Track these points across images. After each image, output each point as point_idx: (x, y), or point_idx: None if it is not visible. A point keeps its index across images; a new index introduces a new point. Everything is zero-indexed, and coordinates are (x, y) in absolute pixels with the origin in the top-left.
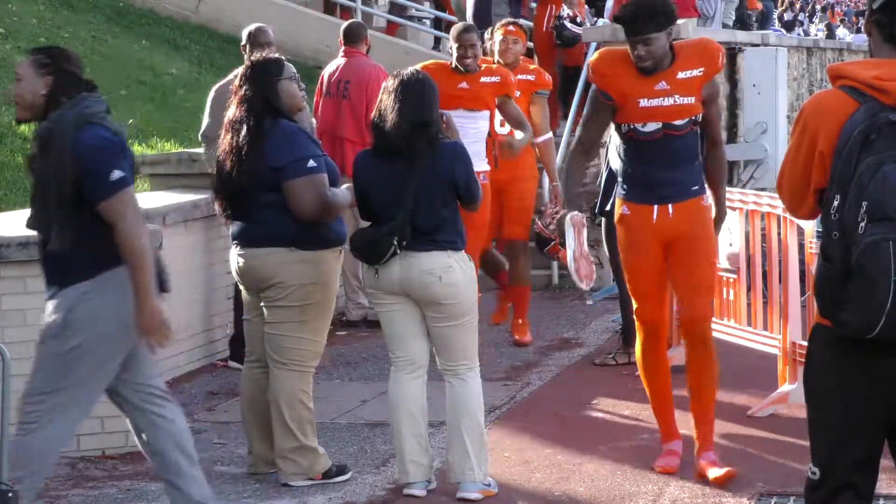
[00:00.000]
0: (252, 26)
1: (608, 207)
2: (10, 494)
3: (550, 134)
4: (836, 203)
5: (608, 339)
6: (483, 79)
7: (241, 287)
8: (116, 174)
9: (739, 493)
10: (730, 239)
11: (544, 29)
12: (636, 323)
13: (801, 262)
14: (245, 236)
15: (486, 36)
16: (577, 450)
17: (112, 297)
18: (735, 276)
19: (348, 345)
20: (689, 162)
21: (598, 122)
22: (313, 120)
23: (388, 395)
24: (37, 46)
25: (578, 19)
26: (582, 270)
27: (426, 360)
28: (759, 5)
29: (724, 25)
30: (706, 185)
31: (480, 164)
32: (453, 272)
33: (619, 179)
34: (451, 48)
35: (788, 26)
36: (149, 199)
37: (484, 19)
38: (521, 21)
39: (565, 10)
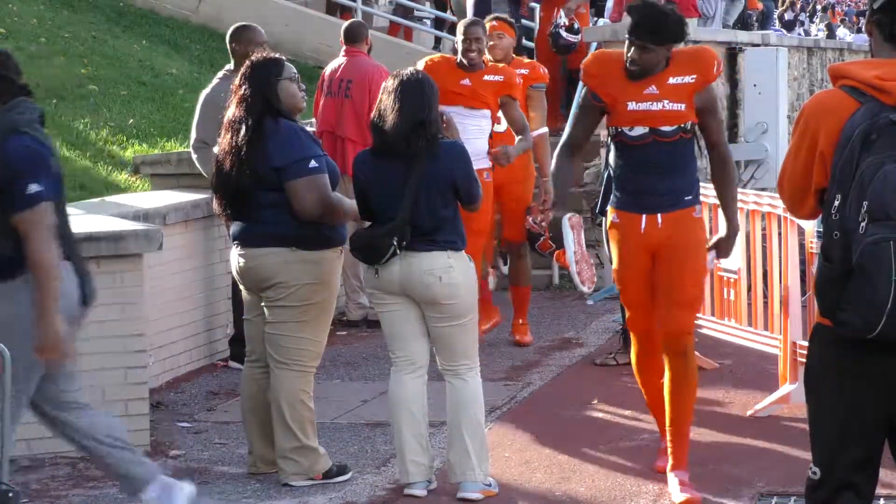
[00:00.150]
0: (238, 25)
1: (608, 207)
2: (10, 494)
3: (546, 129)
4: (836, 203)
5: (609, 339)
6: (487, 77)
7: (242, 287)
8: (34, 188)
9: (740, 492)
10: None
11: (547, 34)
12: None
13: (802, 262)
14: (246, 236)
15: None
16: (577, 450)
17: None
18: (735, 276)
19: (349, 345)
20: (680, 171)
21: (584, 123)
22: (313, 120)
23: (388, 395)
24: None
25: (576, 26)
26: (584, 274)
27: (426, 361)
28: (760, 5)
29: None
30: (700, 196)
31: (482, 162)
32: (453, 272)
33: (613, 186)
34: (456, 43)
35: (789, 26)
36: (149, 199)
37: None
38: (524, 21)
39: (562, 18)
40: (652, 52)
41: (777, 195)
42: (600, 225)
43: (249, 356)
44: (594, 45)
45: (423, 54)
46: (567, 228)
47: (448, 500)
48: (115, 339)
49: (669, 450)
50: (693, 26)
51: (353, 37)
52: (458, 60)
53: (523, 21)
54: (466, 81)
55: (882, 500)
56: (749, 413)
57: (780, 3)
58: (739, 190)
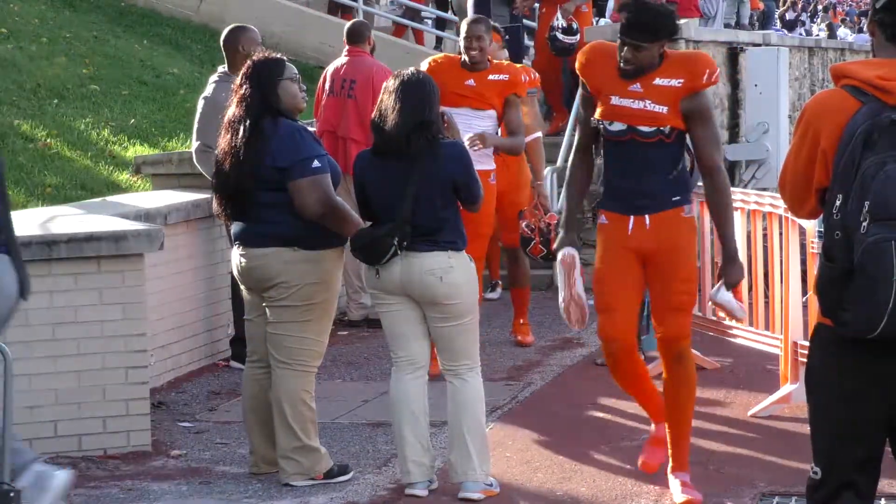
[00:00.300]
0: (233, 26)
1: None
2: (10, 494)
3: (539, 133)
4: (838, 203)
5: None
6: (491, 76)
7: (243, 287)
8: None
9: (741, 493)
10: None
11: (545, 38)
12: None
13: (803, 262)
14: (247, 236)
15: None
16: (578, 450)
17: None
18: None
19: (350, 345)
20: (663, 174)
21: (586, 120)
22: (314, 120)
23: (389, 395)
24: None
25: (575, 26)
26: (572, 315)
27: (427, 361)
28: (761, 5)
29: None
30: (690, 196)
31: (488, 163)
32: (454, 272)
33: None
34: (460, 42)
35: (790, 26)
36: (150, 198)
37: None
38: (525, 22)
39: (558, 21)
40: (646, 50)
41: (778, 195)
42: None
43: (251, 356)
44: None
45: (424, 54)
46: (559, 269)
47: (449, 500)
48: (116, 338)
49: (670, 452)
50: (694, 26)
51: (356, 37)
52: (462, 60)
53: (526, 22)
54: (471, 82)
55: (883, 499)
56: (750, 413)
57: (781, 3)
58: (740, 190)
